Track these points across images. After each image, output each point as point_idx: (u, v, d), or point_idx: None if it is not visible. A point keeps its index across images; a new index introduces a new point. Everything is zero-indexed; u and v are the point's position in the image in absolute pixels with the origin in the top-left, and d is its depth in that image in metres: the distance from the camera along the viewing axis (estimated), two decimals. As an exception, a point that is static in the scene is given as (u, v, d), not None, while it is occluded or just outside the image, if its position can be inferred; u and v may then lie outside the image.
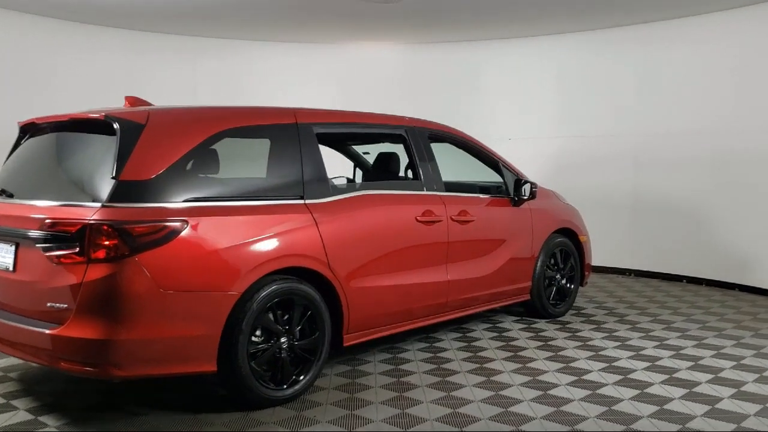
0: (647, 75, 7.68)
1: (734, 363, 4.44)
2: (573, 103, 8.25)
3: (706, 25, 7.14)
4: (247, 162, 4.03)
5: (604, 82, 8.01)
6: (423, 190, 4.63)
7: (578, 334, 5.19)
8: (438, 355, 4.63)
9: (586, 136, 8.14)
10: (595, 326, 5.41)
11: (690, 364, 4.42)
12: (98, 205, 3.24)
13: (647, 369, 4.31)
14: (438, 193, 4.70)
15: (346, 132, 4.71)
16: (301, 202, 3.87)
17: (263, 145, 4.01)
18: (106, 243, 3.16)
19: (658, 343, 4.89)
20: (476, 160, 5.44)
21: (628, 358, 4.56)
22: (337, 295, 3.96)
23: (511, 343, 4.94)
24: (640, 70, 7.73)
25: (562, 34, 8.21)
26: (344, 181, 5.28)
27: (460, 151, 5.35)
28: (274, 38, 8.39)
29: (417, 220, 4.46)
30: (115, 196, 3.25)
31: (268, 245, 3.61)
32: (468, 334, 5.17)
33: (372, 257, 4.15)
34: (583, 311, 5.96)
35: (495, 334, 5.18)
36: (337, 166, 5.34)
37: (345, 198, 4.08)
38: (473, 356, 4.60)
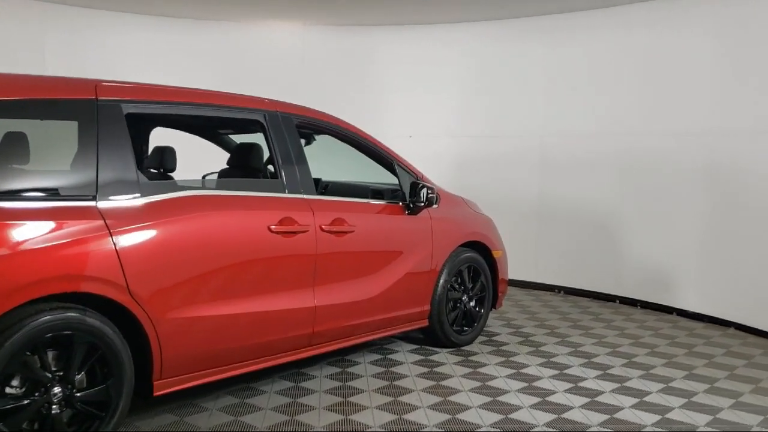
0: (555, 70, 7.01)
1: (659, 417, 3.62)
2: (479, 99, 7.45)
3: (613, 18, 6.54)
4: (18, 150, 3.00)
5: (510, 76, 7.27)
6: (283, 193, 3.68)
7: (480, 370, 4.31)
8: (301, 385, 3.69)
9: (494, 135, 7.37)
10: (503, 359, 4.54)
11: (604, 418, 3.58)
12: None
13: (551, 425, 3.45)
14: (304, 197, 3.76)
15: (176, 114, 3.71)
16: (91, 204, 2.87)
17: (55, 127, 3.02)
18: None
19: (571, 385, 4.05)
20: (370, 158, 4.55)
21: (531, 407, 3.69)
22: (143, 329, 2.99)
23: (396, 382, 4.03)
24: (549, 65, 7.04)
25: (468, 22, 7.39)
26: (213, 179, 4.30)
27: (354, 147, 4.44)
28: (147, 11, 7.23)
29: (271, 231, 3.50)
30: None
31: (26, 264, 2.62)
32: (348, 369, 4.25)
33: (198, 279, 3.18)
34: (494, 338, 5.09)
35: (381, 369, 4.26)
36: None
37: (160, 200, 3.10)
38: (341, 401, 3.67)
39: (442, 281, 4.63)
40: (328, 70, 7.76)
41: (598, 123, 6.72)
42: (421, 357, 4.55)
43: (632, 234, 6.47)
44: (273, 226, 3.51)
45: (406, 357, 4.55)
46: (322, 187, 4.91)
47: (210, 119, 4.08)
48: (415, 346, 4.80)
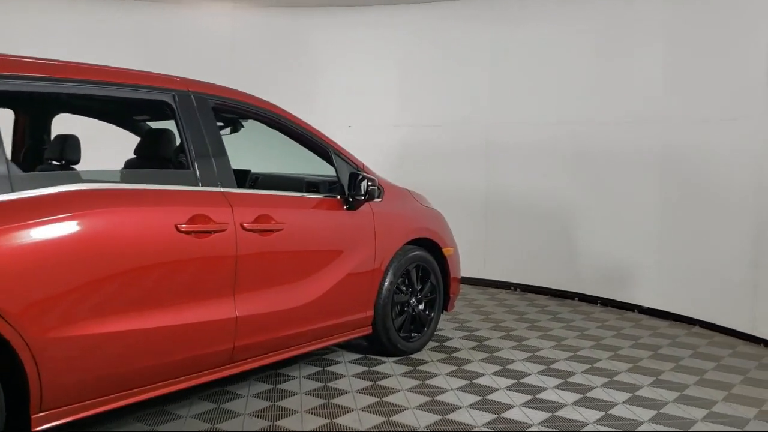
0: (501, 54, 6.65)
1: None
2: (421, 86, 7.03)
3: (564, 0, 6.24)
4: None
5: (454, 61, 6.88)
6: (196, 186, 3.16)
7: (429, 382, 3.87)
8: (223, 406, 3.18)
9: (437, 124, 6.97)
10: (455, 368, 4.10)
11: (567, 436, 3.17)
12: None
13: (507, 447, 3.03)
14: (222, 190, 3.24)
15: (58, 93, 3.13)
16: (-61, 201, 2.32)
17: None
18: None
19: (529, 397, 3.63)
20: (308, 147, 4.05)
21: (486, 425, 3.26)
22: (15, 352, 2.45)
23: (334, 399, 3.55)
24: (495, 49, 6.68)
25: (409, 3, 6.95)
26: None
27: (284, 134, 3.93)
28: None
29: (179, 230, 2.98)
30: None
31: None
32: (280, 386, 3.75)
33: (86, 289, 2.64)
34: (446, 343, 4.66)
35: (318, 385, 3.78)
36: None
37: (38, 197, 2.55)
38: (268, 426, 3.18)
39: (387, 283, 4.17)
40: (260, 55, 7.22)
41: (548, 110, 6.37)
42: (365, 368, 4.09)
43: (588, 227, 6.14)
44: (182, 225, 2.98)
45: (347, 369, 4.08)
46: (251, 179, 4.41)
47: (109, 101, 3.52)
48: (358, 356, 4.34)
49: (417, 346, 4.42)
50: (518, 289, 6.67)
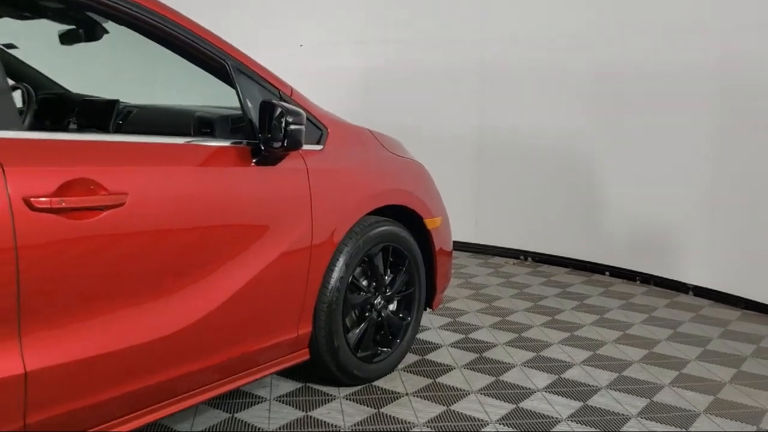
0: None
1: None
2: None
3: None
4: None
5: None
6: None
7: (399, 443, 2.40)
8: None
9: (418, 40, 5.30)
10: (442, 408, 2.62)
11: None
12: None
13: None
14: (-19, 136, 1.68)
15: None
16: None
17: None
18: None
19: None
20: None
21: None
22: None
23: (231, 493, 2.08)
24: None
25: None
26: None
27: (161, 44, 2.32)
28: None
29: None
30: None
31: None
32: (151, 457, 2.28)
33: None
34: (430, 355, 3.17)
35: (215, 452, 2.31)
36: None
37: None
38: None
39: (334, 279, 2.63)
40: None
41: (560, 23, 4.74)
42: (297, 414, 2.60)
43: (619, 177, 4.61)
44: None
45: (269, 416, 2.59)
46: (120, 115, 2.83)
47: None
48: (294, 386, 2.84)
49: (385, 368, 2.93)
50: (529, 259, 5.16)
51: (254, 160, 2.32)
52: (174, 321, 2.09)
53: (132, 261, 1.96)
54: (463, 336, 3.46)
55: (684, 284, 4.35)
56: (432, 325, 3.60)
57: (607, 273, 4.74)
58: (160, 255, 2.05)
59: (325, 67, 5.30)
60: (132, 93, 3.06)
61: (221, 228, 2.22)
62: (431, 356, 3.18)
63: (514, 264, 5.06)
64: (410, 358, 3.13)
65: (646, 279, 4.55)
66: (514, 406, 2.66)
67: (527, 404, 2.68)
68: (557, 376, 2.96)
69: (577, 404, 2.69)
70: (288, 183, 2.43)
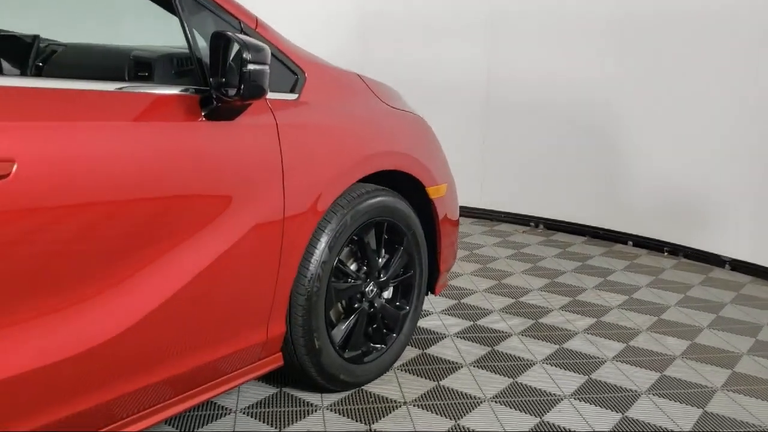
0: None
1: None
2: None
3: None
4: None
5: None
6: None
7: (396, 476, 1.89)
8: None
9: None
10: (449, 424, 2.11)
11: None
12: None
13: None
14: None
15: None
16: None
17: None
18: None
19: None
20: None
21: None
22: None
23: None
24: None
25: None
26: None
27: None
28: None
29: None
30: None
31: None
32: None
33: None
34: (431, 349, 2.65)
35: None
36: None
37: None
38: None
39: (314, 265, 2.08)
40: None
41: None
42: (269, 429, 2.08)
43: (645, 134, 4.04)
44: None
45: (247, 427, 2.07)
46: (44, 54, 2.25)
47: None
48: (267, 393, 2.32)
49: (378, 368, 2.41)
50: (541, 226, 4.63)
51: (204, 113, 1.74)
52: (94, 332, 1.55)
53: (26, 254, 1.41)
54: (471, 323, 2.94)
55: (719, 257, 3.83)
56: (433, 309, 3.08)
57: (630, 243, 4.21)
58: (71, 244, 1.49)
59: (319, 11, 4.68)
60: (59, 27, 2.46)
61: (157, 203, 1.65)
62: (433, 350, 2.66)
63: (524, 232, 4.52)
64: (409, 353, 2.61)
65: (675, 250, 4.02)
66: (538, 419, 2.15)
67: (553, 416, 2.17)
68: (587, 377, 2.45)
69: (617, 416, 2.18)
70: (250, 143, 1.85)
